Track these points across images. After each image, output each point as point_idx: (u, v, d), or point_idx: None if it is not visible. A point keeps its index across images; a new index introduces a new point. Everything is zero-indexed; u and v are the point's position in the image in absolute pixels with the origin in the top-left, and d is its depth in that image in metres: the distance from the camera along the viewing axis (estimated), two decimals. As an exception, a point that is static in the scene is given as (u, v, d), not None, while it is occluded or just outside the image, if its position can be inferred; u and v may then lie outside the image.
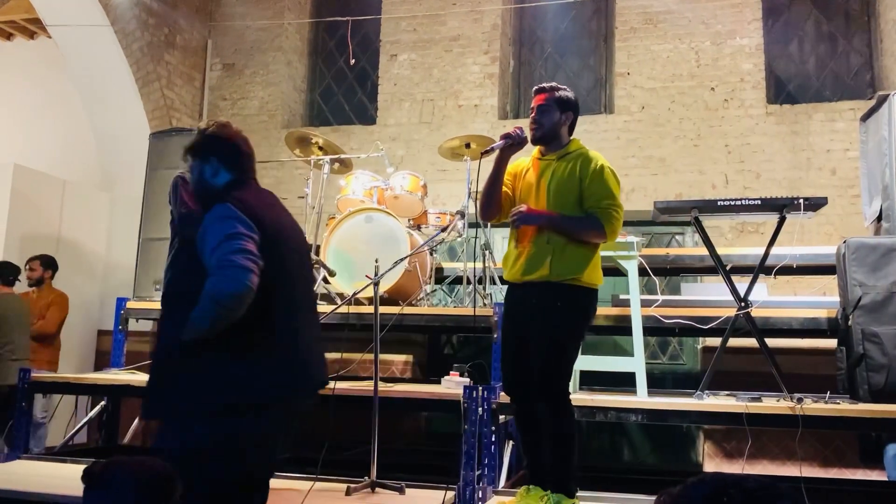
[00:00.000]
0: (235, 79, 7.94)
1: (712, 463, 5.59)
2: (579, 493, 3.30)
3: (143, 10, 7.07)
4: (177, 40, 7.56)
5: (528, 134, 3.33)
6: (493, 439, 3.86)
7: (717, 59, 6.72)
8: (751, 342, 4.14)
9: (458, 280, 5.57)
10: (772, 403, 3.80)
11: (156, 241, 5.82)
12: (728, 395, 4.19)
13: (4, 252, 6.25)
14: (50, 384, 4.91)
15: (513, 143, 3.27)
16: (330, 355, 5.64)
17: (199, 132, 2.59)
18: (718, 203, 4.19)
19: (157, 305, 5.09)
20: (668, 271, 5.47)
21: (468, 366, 4.46)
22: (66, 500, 3.43)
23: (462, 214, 5.13)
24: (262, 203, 2.48)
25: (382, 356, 5.07)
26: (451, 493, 3.59)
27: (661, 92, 6.80)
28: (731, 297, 4.08)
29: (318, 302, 5.02)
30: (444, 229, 4.99)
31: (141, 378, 4.55)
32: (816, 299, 4.69)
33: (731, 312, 4.06)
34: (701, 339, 5.93)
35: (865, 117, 4.93)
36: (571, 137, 3.39)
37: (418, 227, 5.45)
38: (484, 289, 5.07)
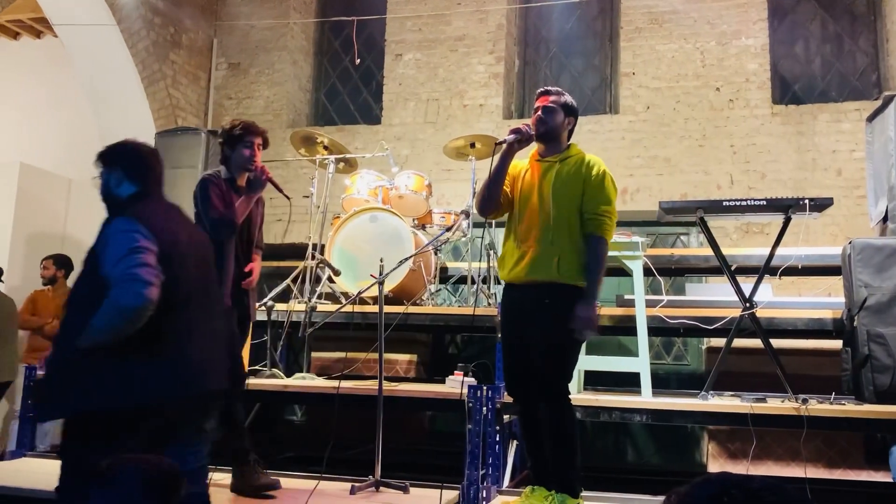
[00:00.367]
0: (241, 78, 7.96)
1: (716, 463, 5.57)
2: (583, 494, 3.30)
3: (149, 10, 7.09)
4: (182, 40, 7.58)
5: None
6: (498, 439, 3.86)
7: (723, 59, 6.71)
8: (755, 343, 4.13)
9: (462, 279, 5.58)
10: (776, 404, 3.79)
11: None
12: (733, 395, 4.18)
13: (10, 250, 6.27)
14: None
15: (521, 139, 3.30)
16: (334, 354, 5.70)
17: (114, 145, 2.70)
18: (724, 203, 4.18)
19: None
20: (673, 272, 5.47)
21: (472, 365, 4.45)
22: (71, 497, 3.43)
23: (466, 214, 5.13)
24: (163, 217, 2.56)
25: (387, 355, 5.08)
26: (455, 493, 3.59)
27: (667, 92, 6.79)
28: (735, 298, 4.07)
29: (323, 301, 5.05)
30: (448, 229, 4.99)
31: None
32: (821, 300, 4.68)
33: (736, 313, 4.05)
34: (705, 339, 5.92)
35: (871, 118, 4.92)
36: (570, 142, 3.43)
37: (423, 227, 5.46)
38: (488, 288, 5.08)
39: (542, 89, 3.43)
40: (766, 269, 4.12)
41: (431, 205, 5.47)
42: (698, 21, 6.82)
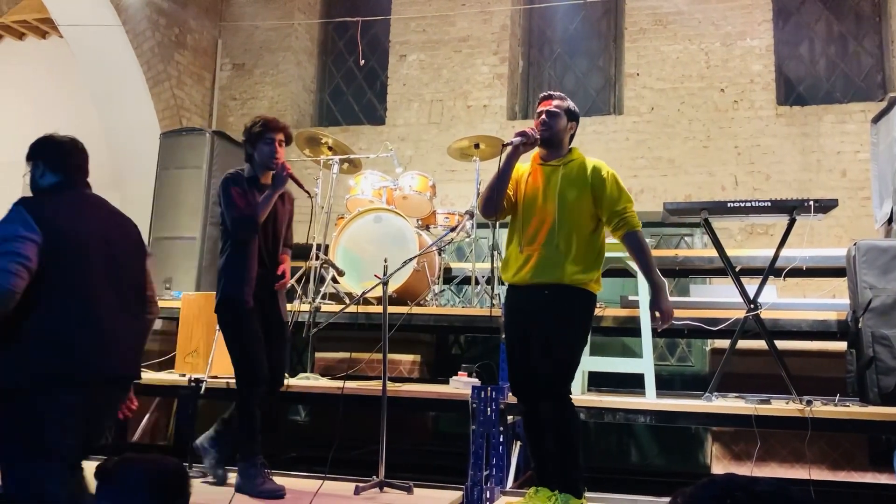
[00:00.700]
0: (245, 79, 7.97)
1: (720, 465, 5.57)
2: (587, 494, 3.30)
3: (154, 11, 7.11)
4: (187, 40, 7.60)
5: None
6: (501, 440, 3.86)
7: (727, 60, 6.71)
8: (760, 344, 4.12)
9: (466, 280, 5.58)
10: (781, 406, 3.78)
11: (166, 240, 5.86)
12: (737, 397, 4.17)
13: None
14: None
15: (527, 142, 3.32)
16: (338, 355, 5.71)
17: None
18: (728, 204, 4.17)
19: (168, 304, 5.16)
20: (677, 273, 5.46)
21: (476, 366, 4.47)
22: (76, 496, 3.44)
23: (471, 215, 5.13)
24: (69, 209, 2.59)
25: (390, 356, 5.08)
26: (458, 494, 3.60)
27: (671, 93, 6.78)
28: (740, 299, 4.07)
29: (327, 301, 5.06)
30: (452, 229, 5.00)
31: (151, 376, 4.57)
32: (826, 301, 4.67)
33: (741, 314, 4.05)
34: (710, 340, 5.91)
35: (876, 119, 4.91)
36: (571, 146, 3.45)
37: (427, 228, 5.46)
38: (492, 289, 5.08)
39: (544, 94, 3.46)
40: (770, 271, 4.12)
41: (435, 205, 5.48)
42: (703, 22, 6.81)
